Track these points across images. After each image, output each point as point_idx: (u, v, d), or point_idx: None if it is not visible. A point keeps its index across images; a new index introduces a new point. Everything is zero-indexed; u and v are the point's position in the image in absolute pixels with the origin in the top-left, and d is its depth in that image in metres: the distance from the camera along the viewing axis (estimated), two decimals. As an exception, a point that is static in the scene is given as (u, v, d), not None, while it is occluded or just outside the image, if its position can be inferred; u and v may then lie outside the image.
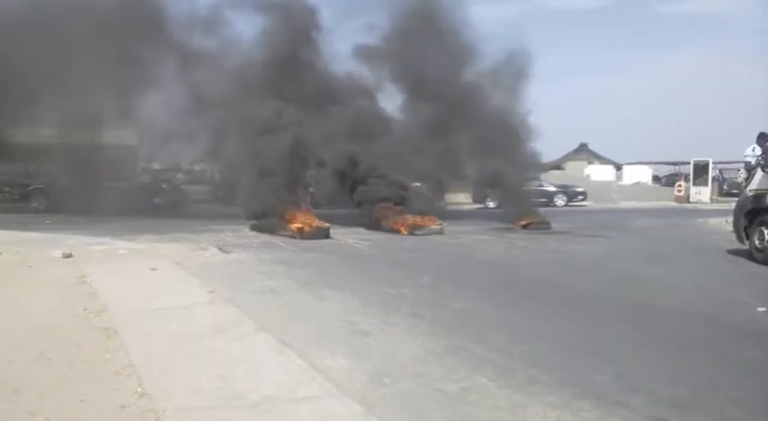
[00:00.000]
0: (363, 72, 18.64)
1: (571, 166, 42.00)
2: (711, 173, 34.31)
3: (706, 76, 73.33)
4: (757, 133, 9.15)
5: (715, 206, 27.53)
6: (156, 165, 27.74)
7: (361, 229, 14.58)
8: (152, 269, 8.32)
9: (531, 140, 18.04)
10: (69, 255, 9.36)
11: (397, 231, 14.26)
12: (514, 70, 18.57)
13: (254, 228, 14.26)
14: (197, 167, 28.75)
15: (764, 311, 6.25)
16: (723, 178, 36.55)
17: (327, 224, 13.47)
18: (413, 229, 14.24)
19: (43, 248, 9.96)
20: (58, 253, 9.46)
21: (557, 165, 36.10)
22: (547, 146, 23.03)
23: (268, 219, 14.08)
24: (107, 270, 8.34)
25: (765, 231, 9.02)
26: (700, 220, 17.89)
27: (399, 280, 7.88)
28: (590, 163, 44.30)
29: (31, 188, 24.10)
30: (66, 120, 18.07)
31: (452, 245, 12.63)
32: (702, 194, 33.22)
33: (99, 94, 16.80)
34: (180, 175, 28.06)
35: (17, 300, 6.42)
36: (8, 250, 9.67)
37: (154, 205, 21.40)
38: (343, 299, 6.65)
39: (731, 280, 8.45)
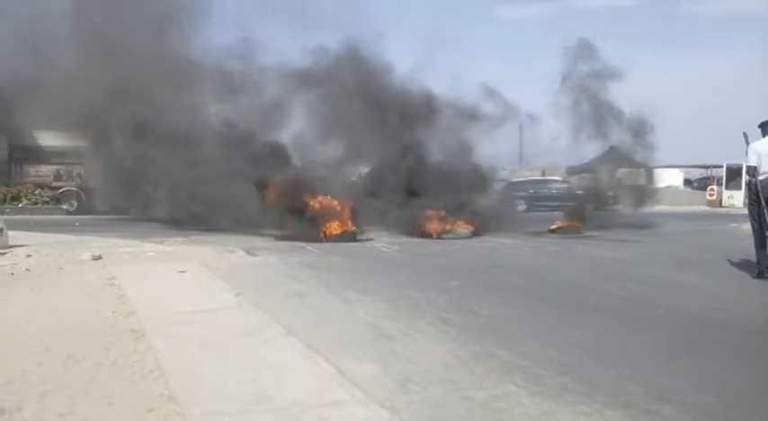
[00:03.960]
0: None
1: (601, 170, 41.48)
2: (745, 177, 33.66)
3: (740, 78, 71.99)
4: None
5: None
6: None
7: (389, 233, 14.54)
8: (180, 272, 8.37)
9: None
10: (99, 257, 9.46)
11: (427, 235, 14.23)
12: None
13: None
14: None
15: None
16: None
17: (354, 227, 13.46)
18: (441, 234, 14.20)
19: (73, 250, 10.08)
20: (87, 255, 9.56)
21: (587, 169, 35.68)
22: (575, 148, 22.84)
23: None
24: (135, 272, 8.40)
25: None
26: (732, 225, 17.59)
27: (426, 284, 7.82)
28: (620, 166, 43.71)
29: (61, 190, 24.49)
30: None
31: (481, 249, 12.54)
32: (735, 198, 32.61)
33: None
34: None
35: (46, 301, 6.48)
36: (39, 252, 9.80)
37: None
38: (369, 303, 6.61)
39: (763, 286, 8.24)
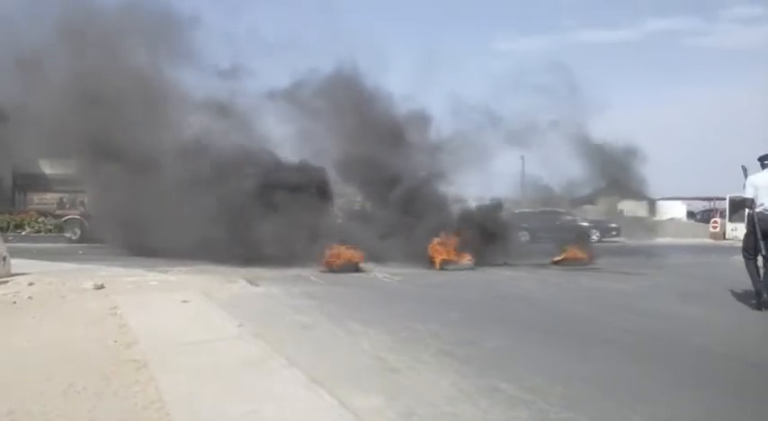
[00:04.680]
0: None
1: (603, 202, 41.52)
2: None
3: (740, 111, 72.43)
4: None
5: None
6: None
7: (391, 263, 14.50)
8: (182, 301, 8.34)
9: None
10: (101, 287, 9.45)
11: (431, 265, 14.21)
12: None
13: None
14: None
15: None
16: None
17: (357, 258, 13.44)
18: (443, 264, 14.18)
19: (76, 279, 10.07)
20: (90, 284, 9.55)
21: (589, 201, 35.73)
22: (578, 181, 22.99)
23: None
24: (138, 302, 8.38)
25: None
26: (736, 257, 17.47)
27: (430, 316, 7.78)
28: (622, 198, 43.77)
29: (65, 218, 24.51)
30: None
31: (484, 280, 12.50)
32: (739, 231, 32.39)
33: None
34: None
35: (48, 330, 6.46)
36: (41, 280, 9.79)
37: None
38: (373, 335, 6.57)
39: (764, 317, 8.21)
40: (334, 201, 19.46)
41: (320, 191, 17.15)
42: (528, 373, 5.05)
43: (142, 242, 15.62)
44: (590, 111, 19.41)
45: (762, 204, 8.70)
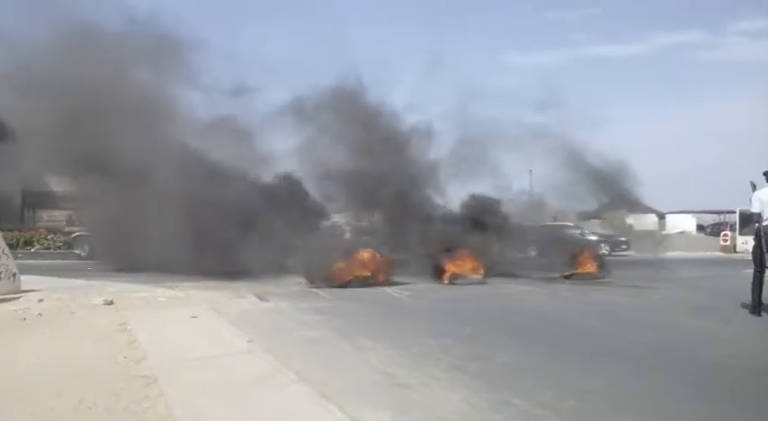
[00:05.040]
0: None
1: (613, 215, 41.40)
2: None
3: (748, 124, 72.20)
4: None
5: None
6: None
7: (400, 278, 14.45)
8: (191, 317, 8.34)
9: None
10: (111, 302, 9.46)
11: (440, 280, 14.19)
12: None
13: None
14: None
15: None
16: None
17: (368, 273, 13.40)
18: (453, 279, 14.13)
19: (85, 295, 10.08)
20: (99, 300, 9.56)
21: (598, 214, 35.60)
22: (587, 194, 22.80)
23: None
24: (147, 317, 8.38)
25: None
26: (747, 271, 17.33)
27: (440, 331, 7.74)
28: (631, 212, 43.62)
29: (74, 235, 24.60)
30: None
31: (494, 295, 12.43)
32: (749, 244, 32.26)
33: None
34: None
35: (58, 346, 6.46)
36: (51, 297, 9.81)
37: None
38: (382, 350, 6.53)
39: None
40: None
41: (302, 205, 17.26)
42: (539, 388, 5.01)
43: (140, 258, 15.65)
44: (585, 128, 19.12)
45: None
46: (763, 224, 9.02)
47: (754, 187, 9.38)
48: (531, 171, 29.85)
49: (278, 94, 31.54)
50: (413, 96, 31.92)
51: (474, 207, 17.66)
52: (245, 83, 19.52)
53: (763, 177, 9.15)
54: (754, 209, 9.26)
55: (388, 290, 12.63)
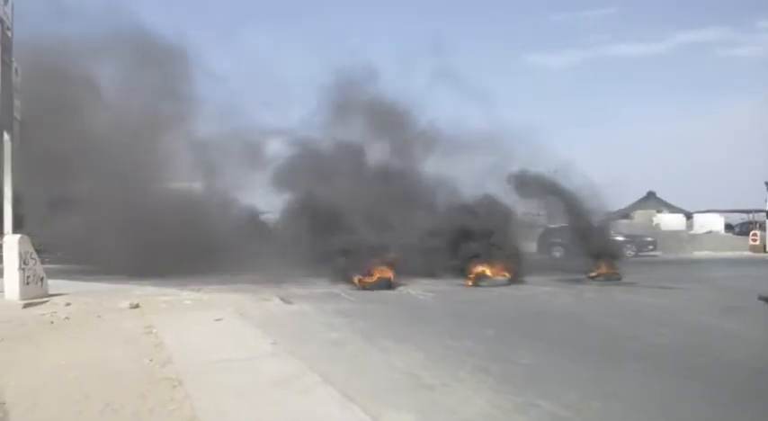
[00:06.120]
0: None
1: (639, 215, 40.94)
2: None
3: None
4: None
5: (794, 256, 26.34)
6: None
7: (424, 280, 14.43)
8: (216, 320, 8.38)
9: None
10: (136, 306, 9.55)
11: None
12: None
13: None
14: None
15: None
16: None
17: (390, 275, 13.39)
18: (478, 280, 14.06)
19: (111, 299, 10.19)
20: (125, 303, 9.66)
21: (625, 214, 35.20)
22: (614, 194, 22.37)
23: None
24: (172, 320, 8.44)
25: None
26: (777, 271, 17.17)
27: (464, 332, 7.70)
28: (659, 211, 43.13)
29: None
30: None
31: (518, 296, 12.36)
32: (780, 243, 31.75)
33: None
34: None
35: (86, 350, 6.53)
36: (78, 300, 9.94)
37: None
38: (406, 351, 6.52)
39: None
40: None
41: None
42: (564, 389, 4.96)
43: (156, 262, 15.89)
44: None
45: None
46: None
47: None
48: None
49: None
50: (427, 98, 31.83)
51: (486, 206, 17.45)
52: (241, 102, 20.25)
53: None
54: None
55: (412, 292, 12.60)
